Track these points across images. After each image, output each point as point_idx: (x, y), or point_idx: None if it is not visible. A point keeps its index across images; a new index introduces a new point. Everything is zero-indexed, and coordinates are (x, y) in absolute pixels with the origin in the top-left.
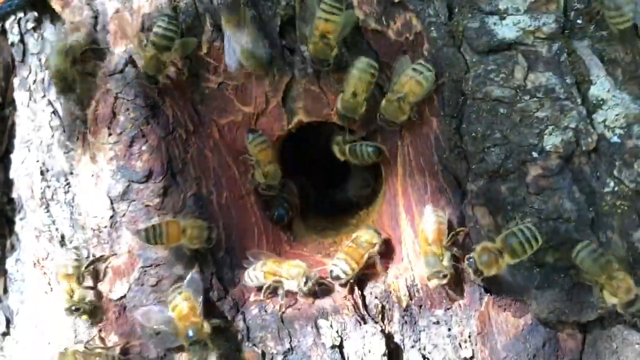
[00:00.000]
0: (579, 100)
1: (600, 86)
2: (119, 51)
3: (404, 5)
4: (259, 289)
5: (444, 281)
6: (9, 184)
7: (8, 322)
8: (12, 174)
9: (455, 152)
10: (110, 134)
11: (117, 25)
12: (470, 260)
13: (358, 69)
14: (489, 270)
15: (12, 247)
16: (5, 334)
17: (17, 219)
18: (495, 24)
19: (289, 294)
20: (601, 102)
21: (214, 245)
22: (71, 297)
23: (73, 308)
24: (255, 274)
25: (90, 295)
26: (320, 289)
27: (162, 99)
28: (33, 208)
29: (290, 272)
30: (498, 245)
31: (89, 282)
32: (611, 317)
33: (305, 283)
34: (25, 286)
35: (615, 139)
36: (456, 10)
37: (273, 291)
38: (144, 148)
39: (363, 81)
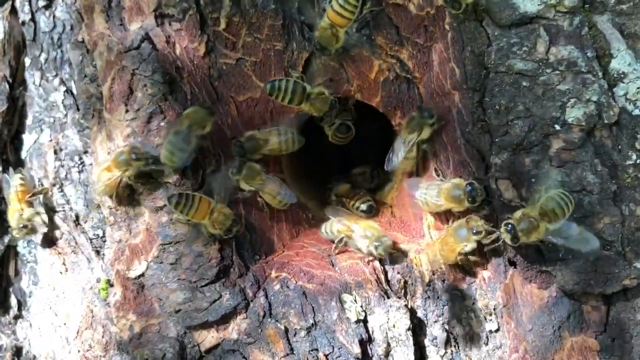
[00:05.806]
0: (600, 74)
1: (621, 60)
2: (134, 28)
3: None
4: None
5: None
6: (20, 164)
7: (20, 305)
8: (24, 154)
9: (479, 125)
10: (127, 111)
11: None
12: (509, 226)
13: (337, 4)
14: (528, 236)
15: None
16: (17, 317)
17: None
18: None
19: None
20: (622, 76)
21: (232, 236)
22: (21, 215)
23: (21, 225)
24: (331, 227)
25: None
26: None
27: (180, 75)
28: None
29: (366, 232)
30: (536, 211)
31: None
32: (636, 289)
33: (377, 248)
34: (38, 267)
35: (636, 112)
36: None
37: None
38: (162, 124)
39: (343, 17)
